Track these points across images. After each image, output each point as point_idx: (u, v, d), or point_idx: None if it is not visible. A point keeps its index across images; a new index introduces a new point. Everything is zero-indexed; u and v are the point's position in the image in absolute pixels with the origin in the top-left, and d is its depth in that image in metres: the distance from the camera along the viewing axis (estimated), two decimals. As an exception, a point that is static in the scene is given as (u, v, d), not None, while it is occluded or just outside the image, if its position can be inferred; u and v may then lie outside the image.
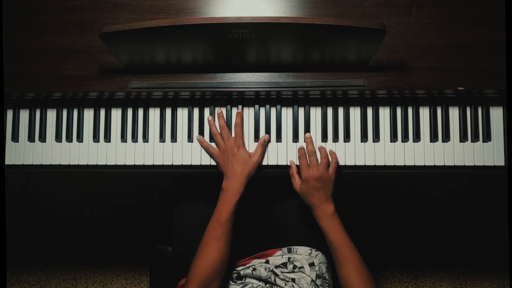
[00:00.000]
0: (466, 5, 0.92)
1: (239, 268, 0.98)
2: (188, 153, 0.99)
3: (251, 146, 0.98)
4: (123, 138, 0.99)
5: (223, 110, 0.99)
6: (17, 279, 1.66)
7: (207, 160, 0.98)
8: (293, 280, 0.93)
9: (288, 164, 0.97)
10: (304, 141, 0.97)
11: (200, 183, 1.08)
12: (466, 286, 1.61)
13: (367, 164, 0.97)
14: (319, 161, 0.94)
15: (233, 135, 0.97)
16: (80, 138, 0.99)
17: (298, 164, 0.96)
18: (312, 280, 0.93)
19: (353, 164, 0.97)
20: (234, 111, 0.99)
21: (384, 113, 0.98)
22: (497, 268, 1.62)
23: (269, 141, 0.98)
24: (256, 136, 0.98)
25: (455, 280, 1.61)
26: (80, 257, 1.67)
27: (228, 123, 0.99)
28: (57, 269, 1.67)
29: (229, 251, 0.90)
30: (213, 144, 0.98)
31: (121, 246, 1.67)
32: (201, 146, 0.98)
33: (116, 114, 1.00)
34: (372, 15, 0.93)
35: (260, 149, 0.95)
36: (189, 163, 0.99)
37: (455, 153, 0.96)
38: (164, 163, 0.98)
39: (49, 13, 0.95)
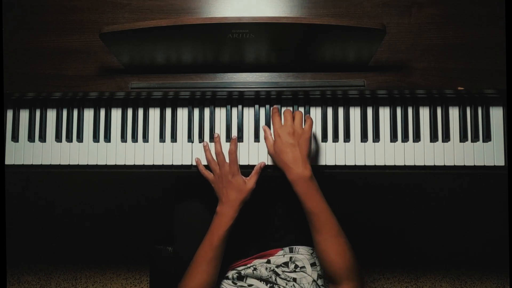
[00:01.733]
0: (466, 5, 0.92)
1: (239, 268, 0.98)
2: (188, 153, 0.99)
3: (251, 146, 0.98)
4: (123, 138, 0.99)
5: (223, 110, 0.99)
6: (17, 279, 1.66)
7: (206, 160, 0.98)
8: (294, 279, 0.93)
9: None
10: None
11: (200, 183, 1.08)
12: (466, 286, 1.61)
13: (367, 164, 0.97)
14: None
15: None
16: (80, 138, 0.99)
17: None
18: (314, 280, 0.92)
19: (353, 164, 0.97)
20: (234, 111, 0.99)
21: (384, 113, 0.98)
22: (497, 268, 1.62)
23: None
24: (256, 137, 0.98)
25: (455, 280, 1.62)
26: (80, 257, 1.67)
27: (228, 123, 0.99)
28: (57, 269, 1.67)
29: (218, 275, 0.90)
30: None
31: (121, 246, 1.67)
32: (197, 168, 0.97)
33: (116, 114, 1.00)
34: (372, 15, 0.93)
35: (255, 176, 0.94)
36: (189, 163, 0.99)
37: (455, 153, 0.96)
38: (164, 163, 0.98)
39: (49, 13, 0.95)
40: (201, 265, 0.88)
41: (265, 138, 0.95)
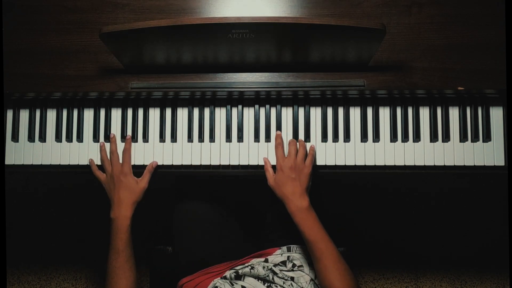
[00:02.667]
0: (466, 5, 0.92)
1: (237, 267, 0.98)
2: (188, 153, 0.99)
3: (251, 146, 0.98)
4: (123, 138, 0.99)
5: (223, 110, 0.99)
6: (17, 279, 1.66)
7: (207, 160, 0.98)
8: (292, 278, 0.93)
9: None
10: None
11: (200, 183, 1.08)
12: (466, 286, 1.61)
13: (367, 164, 0.97)
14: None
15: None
16: (80, 138, 0.99)
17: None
18: (311, 279, 0.92)
19: (353, 164, 0.97)
20: (234, 111, 0.99)
21: (384, 113, 0.98)
22: (497, 268, 1.62)
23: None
24: (256, 137, 0.98)
25: (455, 280, 1.61)
26: (80, 257, 1.67)
27: (228, 123, 0.99)
28: (57, 269, 1.67)
29: (136, 274, 0.91)
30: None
31: (121, 246, 1.67)
32: (90, 168, 0.97)
33: (116, 114, 1.00)
34: (372, 15, 0.93)
35: (147, 175, 0.95)
36: (189, 163, 0.98)
37: (455, 153, 0.96)
38: (164, 163, 0.98)
39: (49, 13, 0.95)
40: (116, 273, 0.88)
41: (266, 170, 0.95)
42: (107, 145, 0.97)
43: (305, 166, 0.91)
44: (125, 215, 0.91)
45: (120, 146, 0.97)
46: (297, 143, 0.95)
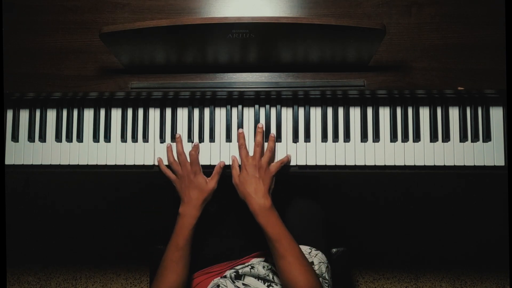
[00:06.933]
0: (466, 5, 0.92)
1: (238, 267, 0.98)
2: (188, 153, 0.98)
3: (251, 146, 0.98)
4: (123, 138, 0.99)
5: (223, 110, 0.99)
6: (17, 279, 1.66)
7: (206, 160, 0.98)
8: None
9: (292, 164, 0.97)
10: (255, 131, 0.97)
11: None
12: (466, 286, 1.61)
13: (367, 164, 0.97)
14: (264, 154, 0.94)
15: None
16: (80, 138, 0.99)
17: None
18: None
19: (353, 164, 0.97)
20: (234, 111, 0.99)
21: (384, 113, 0.98)
22: (497, 268, 1.62)
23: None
24: (256, 136, 0.98)
25: (455, 280, 1.61)
26: (80, 257, 1.67)
27: (228, 123, 0.99)
28: (57, 269, 1.67)
29: (188, 274, 0.91)
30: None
31: (121, 246, 1.67)
32: (159, 168, 0.98)
33: (116, 114, 1.00)
34: (372, 15, 0.93)
35: (216, 176, 0.95)
36: (189, 163, 0.98)
37: (455, 153, 0.96)
38: (165, 163, 0.98)
39: (49, 13, 0.95)
40: (169, 266, 0.89)
41: (232, 168, 0.95)
42: (173, 145, 0.98)
43: (269, 169, 0.92)
44: (192, 214, 0.92)
45: (122, 145, 0.97)
46: (265, 144, 0.94)
